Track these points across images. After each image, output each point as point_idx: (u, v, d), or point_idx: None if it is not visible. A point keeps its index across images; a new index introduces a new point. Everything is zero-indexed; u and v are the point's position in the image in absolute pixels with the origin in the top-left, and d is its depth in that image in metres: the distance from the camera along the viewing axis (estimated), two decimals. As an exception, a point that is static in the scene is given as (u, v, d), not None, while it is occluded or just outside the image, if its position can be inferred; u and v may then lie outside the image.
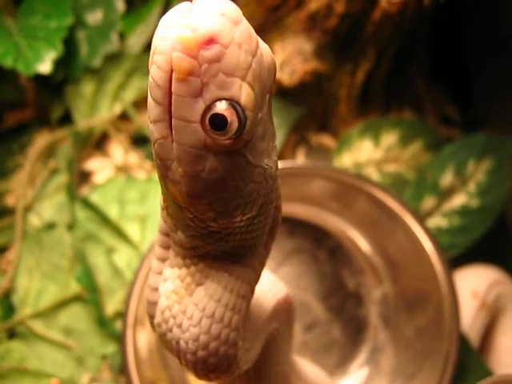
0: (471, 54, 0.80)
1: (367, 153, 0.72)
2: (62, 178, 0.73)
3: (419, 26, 0.69)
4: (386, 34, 0.66)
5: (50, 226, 0.70)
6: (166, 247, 0.35)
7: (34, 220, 0.71)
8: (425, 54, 0.77)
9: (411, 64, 0.76)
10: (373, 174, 0.72)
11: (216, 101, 0.25)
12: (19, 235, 0.69)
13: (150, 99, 0.27)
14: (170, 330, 0.34)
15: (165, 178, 0.29)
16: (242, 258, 0.35)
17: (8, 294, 0.66)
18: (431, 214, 0.67)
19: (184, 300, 0.34)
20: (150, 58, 0.26)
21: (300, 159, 0.75)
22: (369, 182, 0.62)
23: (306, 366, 0.50)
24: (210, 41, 0.25)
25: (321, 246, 0.67)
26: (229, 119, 0.25)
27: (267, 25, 0.72)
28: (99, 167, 0.75)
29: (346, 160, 0.72)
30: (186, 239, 0.33)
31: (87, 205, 0.69)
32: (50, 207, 0.72)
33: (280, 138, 0.72)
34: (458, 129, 0.80)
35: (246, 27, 0.26)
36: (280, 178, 0.62)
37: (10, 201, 0.73)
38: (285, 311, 0.44)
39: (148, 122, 0.28)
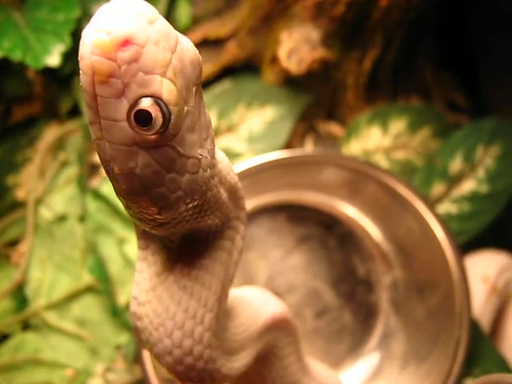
0: (477, 41, 0.80)
1: (376, 140, 0.73)
2: (72, 171, 0.73)
3: (426, 13, 0.69)
4: (393, 21, 0.66)
5: (62, 218, 0.70)
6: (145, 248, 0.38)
7: (45, 213, 0.71)
8: (432, 41, 0.77)
9: (418, 51, 0.76)
10: (381, 161, 0.72)
11: (139, 98, 0.26)
12: (31, 228, 0.69)
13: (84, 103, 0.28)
14: (154, 311, 0.36)
15: (108, 176, 0.30)
16: (214, 241, 0.37)
17: (21, 286, 0.67)
18: (441, 200, 0.67)
19: (167, 280, 0.36)
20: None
21: (308, 147, 0.75)
22: (378, 169, 0.63)
23: (317, 367, 0.51)
24: (126, 42, 0.25)
25: (331, 232, 0.68)
26: (153, 115, 0.26)
27: (274, 13, 0.72)
28: (109, 159, 0.75)
29: (354, 148, 0.72)
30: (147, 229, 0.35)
31: (98, 196, 0.69)
32: (61, 199, 0.72)
33: (288, 126, 0.72)
34: (466, 115, 0.80)
35: (162, 25, 0.27)
36: (290, 166, 0.63)
37: (20, 194, 0.73)
38: (278, 328, 0.45)
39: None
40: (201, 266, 0.36)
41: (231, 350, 0.40)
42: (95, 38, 0.25)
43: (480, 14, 0.78)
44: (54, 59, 0.65)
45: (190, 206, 0.32)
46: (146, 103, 0.26)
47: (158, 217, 0.31)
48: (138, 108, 0.26)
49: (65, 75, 0.75)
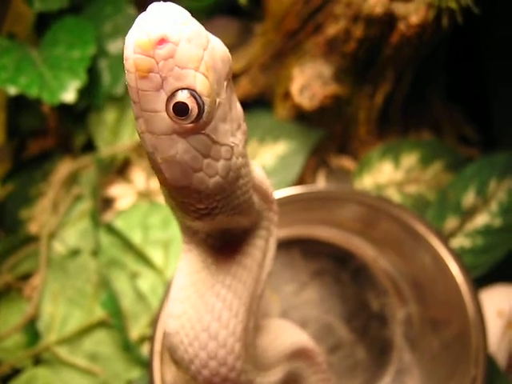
0: (489, 74, 0.81)
1: (388, 174, 0.73)
2: (85, 205, 0.74)
3: (437, 48, 0.70)
4: (404, 57, 0.67)
5: (75, 253, 0.71)
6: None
7: (58, 247, 0.72)
8: (442, 76, 0.78)
9: (429, 86, 0.76)
10: (394, 195, 0.72)
11: (176, 91, 0.29)
12: (44, 262, 0.69)
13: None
14: (190, 319, 0.38)
15: (153, 168, 0.33)
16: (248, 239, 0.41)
17: (33, 320, 0.67)
18: (454, 234, 0.67)
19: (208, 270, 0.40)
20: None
21: (320, 182, 0.75)
22: (392, 204, 0.63)
23: None
24: (162, 41, 0.29)
25: (344, 267, 0.67)
26: (190, 105, 0.30)
27: (286, 50, 0.73)
28: (122, 193, 0.75)
29: (366, 182, 0.73)
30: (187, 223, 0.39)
31: (111, 231, 0.69)
32: (74, 234, 0.72)
33: (300, 161, 0.72)
34: (477, 149, 0.80)
35: (194, 26, 0.30)
36: (304, 201, 0.63)
37: (33, 228, 0.74)
38: (302, 357, 0.47)
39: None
40: (237, 261, 0.40)
41: (261, 366, 0.41)
42: (136, 38, 0.29)
43: (492, 50, 0.79)
44: (69, 95, 0.67)
45: (225, 194, 0.34)
46: (183, 96, 0.29)
47: (199, 206, 0.34)
48: (176, 100, 0.29)
49: (79, 110, 0.76)
